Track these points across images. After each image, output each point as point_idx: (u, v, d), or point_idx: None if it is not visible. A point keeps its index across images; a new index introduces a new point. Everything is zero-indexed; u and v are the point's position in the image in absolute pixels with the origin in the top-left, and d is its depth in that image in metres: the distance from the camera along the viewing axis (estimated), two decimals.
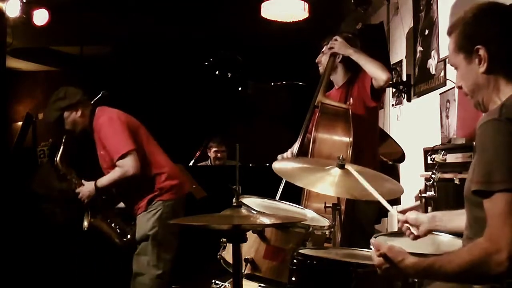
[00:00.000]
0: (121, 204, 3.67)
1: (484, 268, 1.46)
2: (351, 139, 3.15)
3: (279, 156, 3.39)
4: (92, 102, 3.61)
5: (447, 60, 4.00)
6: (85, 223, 3.49)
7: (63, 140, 3.53)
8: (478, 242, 1.51)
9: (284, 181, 3.16)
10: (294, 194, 3.13)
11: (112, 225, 3.57)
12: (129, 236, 3.57)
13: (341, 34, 3.45)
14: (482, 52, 1.66)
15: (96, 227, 3.55)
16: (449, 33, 1.75)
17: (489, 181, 1.49)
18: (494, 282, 1.51)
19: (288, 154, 3.43)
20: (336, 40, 3.38)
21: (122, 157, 3.32)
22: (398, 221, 2.08)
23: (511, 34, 1.65)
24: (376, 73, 3.16)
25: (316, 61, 3.55)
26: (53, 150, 3.55)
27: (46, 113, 3.58)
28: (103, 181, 3.43)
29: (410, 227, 2.02)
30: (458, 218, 1.83)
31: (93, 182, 3.44)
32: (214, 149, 6.00)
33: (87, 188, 3.46)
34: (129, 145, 3.34)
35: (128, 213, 3.58)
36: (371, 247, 1.71)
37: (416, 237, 2.01)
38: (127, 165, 3.32)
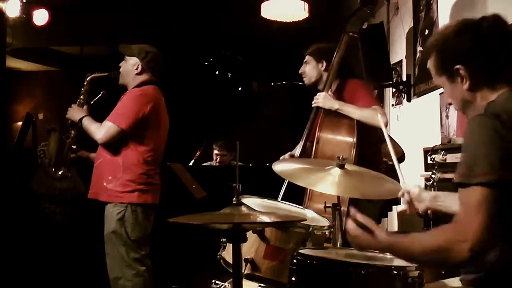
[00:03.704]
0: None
1: (446, 254, 1.50)
2: (355, 139, 3.16)
3: (281, 158, 3.38)
4: (91, 102, 3.63)
5: None
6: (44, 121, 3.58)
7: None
8: (445, 229, 1.55)
9: (286, 181, 3.16)
10: (297, 194, 3.13)
11: (60, 151, 3.61)
12: (60, 173, 3.61)
13: (346, 33, 3.45)
14: (462, 71, 1.69)
15: (49, 137, 3.69)
16: (425, 58, 1.78)
17: (469, 174, 1.52)
18: (451, 269, 1.59)
19: (287, 156, 3.42)
20: (319, 96, 3.32)
21: (111, 125, 3.33)
22: (403, 195, 2.15)
23: (485, 47, 1.67)
24: (370, 120, 3.12)
25: (300, 72, 3.53)
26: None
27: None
28: (87, 121, 3.44)
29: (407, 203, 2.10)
30: None
31: (85, 114, 3.48)
32: (215, 151, 6.00)
33: (76, 111, 3.52)
34: (124, 124, 3.33)
35: (82, 160, 3.63)
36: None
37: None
38: (104, 132, 3.34)
